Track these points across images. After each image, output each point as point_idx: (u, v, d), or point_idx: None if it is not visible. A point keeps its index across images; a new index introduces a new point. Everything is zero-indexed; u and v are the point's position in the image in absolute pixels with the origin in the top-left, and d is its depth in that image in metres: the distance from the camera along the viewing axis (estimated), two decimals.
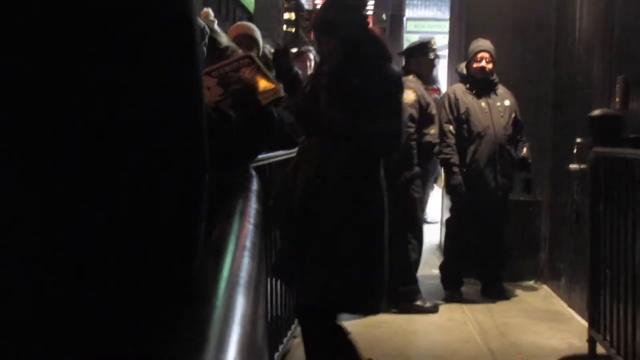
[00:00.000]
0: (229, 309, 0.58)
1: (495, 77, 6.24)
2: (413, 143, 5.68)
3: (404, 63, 6.20)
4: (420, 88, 5.86)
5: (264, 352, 0.66)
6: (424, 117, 5.79)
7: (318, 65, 4.06)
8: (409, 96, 5.65)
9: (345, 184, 3.58)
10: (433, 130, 5.86)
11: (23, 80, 0.65)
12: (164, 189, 0.71)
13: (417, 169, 5.74)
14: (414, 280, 5.81)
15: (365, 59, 3.68)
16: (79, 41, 0.66)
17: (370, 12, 24.46)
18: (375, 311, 3.75)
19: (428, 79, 6.15)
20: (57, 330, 0.67)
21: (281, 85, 3.56)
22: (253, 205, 1.20)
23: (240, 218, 1.02)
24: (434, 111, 5.88)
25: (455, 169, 6.03)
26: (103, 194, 0.67)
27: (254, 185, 1.51)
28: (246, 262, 0.77)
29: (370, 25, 4.02)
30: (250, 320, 0.58)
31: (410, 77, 5.90)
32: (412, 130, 5.68)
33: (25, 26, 0.64)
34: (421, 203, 6.03)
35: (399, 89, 3.76)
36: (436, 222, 8.92)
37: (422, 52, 6.05)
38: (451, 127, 6.10)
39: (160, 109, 0.70)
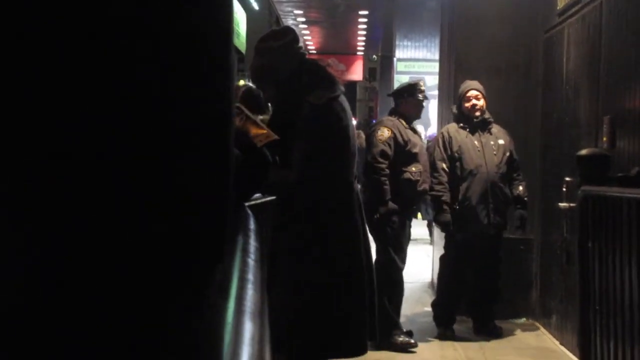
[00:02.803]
0: (238, 332, 0.65)
1: (489, 116, 6.34)
2: (384, 179, 5.81)
3: (393, 104, 6.30)
4: (398, 126, 6.00)
5: None
6: (403, 154, 5.92)
7: None
8: (383, 133, 5.93)
9: (291, 229, 3.60)
10: (414, 168, 5.94)
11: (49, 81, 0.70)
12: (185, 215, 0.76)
13: (392, 204, 5.84)
14: (390, 319, 5.81)
15: (293, 95, 3.62)
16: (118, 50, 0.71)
17: (360, 52, 24.67)
18: (359, 352, 3.72)
19: (415, 119, 6.27)
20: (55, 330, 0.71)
21: None
22: (253, 243, 1.27)
23: (242, 254, 1.09)
24: (414, 149, 5.97)
25: (445, 207, 6.09)
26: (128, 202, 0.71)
27: (252, 224, 1.58)
28: (250, 293, 0.83)
29: (307, 56, 3.93)
30: (259, 342, 0.64)
31: (391, 116, 6.13)
32: (383, 166, 5.84)
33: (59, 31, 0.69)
34: (399, 238, 6.03)
35: (315, 121, 3.62)
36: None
37: (410, 93, 6.17)
38: (444, 165, 6.18)
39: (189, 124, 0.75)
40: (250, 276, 0.94)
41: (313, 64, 3.85)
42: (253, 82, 3.96)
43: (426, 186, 6.03)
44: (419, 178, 5.96)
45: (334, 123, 3.68)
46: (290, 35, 3.79)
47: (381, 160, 5.85)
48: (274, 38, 3.78)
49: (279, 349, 3.59)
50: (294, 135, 3.56)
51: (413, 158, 5.96)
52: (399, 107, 6.18)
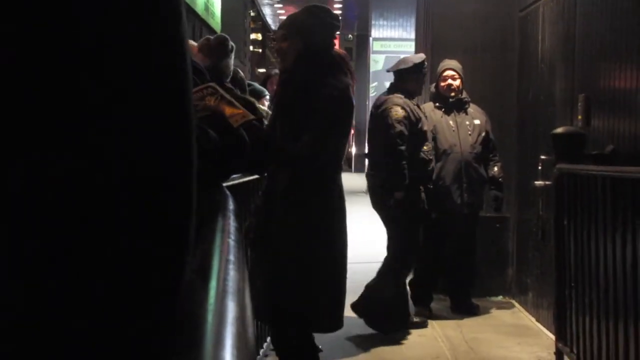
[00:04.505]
0: (222, 313, 0.66)
1: (465, 95, 6.35)
2: (405, 162, 5.59)
3: (395, 80, 6.00)
4: (409, 104, 5.76)
5: (255, 351, 0.73)
6: (416, 134, 5.70)
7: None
8: (397, 112, 5.64)
9: (288, 207, 3.65)
10: (426, 147, 5.82)
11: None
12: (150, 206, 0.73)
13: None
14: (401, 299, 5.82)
15: (312, 70, 3.72)
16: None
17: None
18: (335, 327, 3.81)
19: (417, 95, 6.05)
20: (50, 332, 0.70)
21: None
22: (232, 223, 1.28)
23: (222, 235, 1.09)
24: (425, 127, 5.82)
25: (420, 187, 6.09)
26: (93, 203, 0.70)
27: (231, 205, 1.58)
28: (232, 273, 0.84)
29: (337, 47, 4.07)
30: (241, 322, 0.65)
31: (397, 94, 5.81)
32: (403, 148, 5.58)
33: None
34: (413, 223, 5.80)
35: (337, 102, 3.72)
36: None
37: (422, 70, 6.00)
38: None
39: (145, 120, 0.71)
40: (231, 257, 0.94)
41: (341, 55, 3.97)
42: (283, 28, 3.95)
43: (433, 164, 5.97)
44: (431, 157, 5.90)
45: (348, 109, 3.80)
46: (338, 24, 3.97)
47: (400, 142, 5.59)
48: (329, 16, 3.90)
49: (260, 319, 3.72)
50: (305, 113, 3.62)
51: (424, 137, 5.79)
52: (406, 84, 5.88)
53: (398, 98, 5.77)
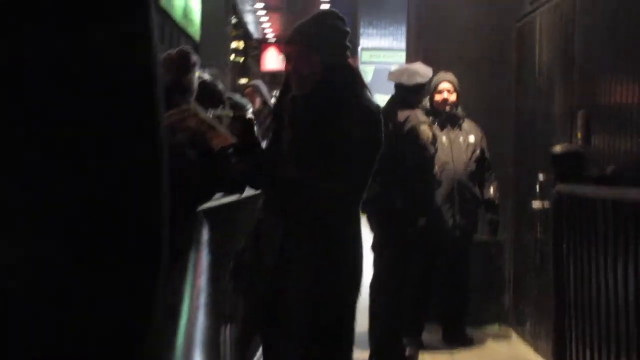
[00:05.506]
0: None
1: (460, 111, 6.34)
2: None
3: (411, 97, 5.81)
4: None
5: None
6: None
7: (283, 88, 3.62)
8: (427, 133, 5.56)
9: (311, 257, 3.27)
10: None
11: None
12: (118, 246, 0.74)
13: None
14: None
15: (342, 88, 3.42)
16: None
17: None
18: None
19: None
20: None
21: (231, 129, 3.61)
22: (205, 257, 1.27)
23: (194, 274, 1.08)
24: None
25: None
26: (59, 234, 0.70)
27: (205, 235, 1.57)
28: (201, 320, 0.83)
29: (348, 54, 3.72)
30: None
31: (416, 109, 5.74)
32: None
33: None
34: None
35: (375, 126, 3.41)
36: None
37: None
38: None
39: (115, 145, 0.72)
40: (202, 300, 0.94)
41: (353, 65, 3.69)
42: (293, 46, 3.60)
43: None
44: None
45: (380, 133, 3.48)
46: (348, 28, 3.66)
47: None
48: (340, 21, 3.58)
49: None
50: (331, 139, 3.32)
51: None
52: (418, 97, 5.87)
53: (422, 114, 5.69)
